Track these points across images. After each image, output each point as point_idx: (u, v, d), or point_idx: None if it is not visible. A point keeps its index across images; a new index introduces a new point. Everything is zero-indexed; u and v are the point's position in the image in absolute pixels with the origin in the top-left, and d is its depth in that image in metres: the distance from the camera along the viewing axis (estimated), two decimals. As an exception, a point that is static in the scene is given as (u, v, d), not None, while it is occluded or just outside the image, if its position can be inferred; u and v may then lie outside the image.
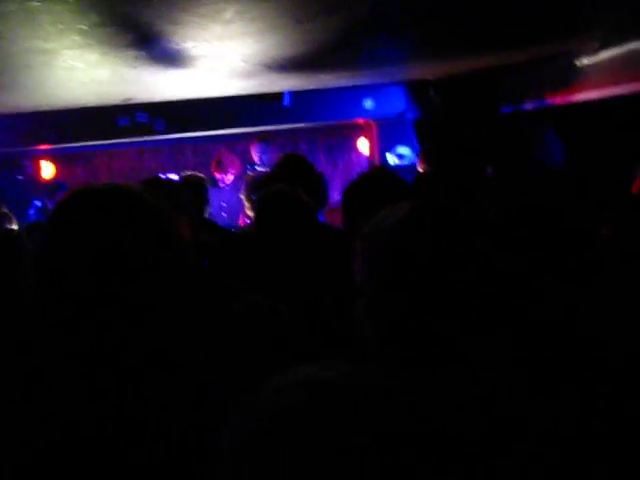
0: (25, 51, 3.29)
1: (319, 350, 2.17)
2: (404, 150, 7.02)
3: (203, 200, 4.68)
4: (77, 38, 3.12)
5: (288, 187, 3.14)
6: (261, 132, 7.61)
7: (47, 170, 8.64)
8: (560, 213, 1.59)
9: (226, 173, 7.42)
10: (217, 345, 1.44)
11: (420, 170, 5.13)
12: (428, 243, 1.19)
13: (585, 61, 4.69)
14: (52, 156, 8.62)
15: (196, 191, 4.44)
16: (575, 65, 4.78)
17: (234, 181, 7.39)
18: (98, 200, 1.22)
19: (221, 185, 7.41)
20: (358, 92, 6.91)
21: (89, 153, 8.81)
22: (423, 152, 5.41)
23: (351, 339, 1.39)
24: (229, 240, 3.74)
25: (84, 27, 2.94)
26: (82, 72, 4.10)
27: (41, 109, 6.01)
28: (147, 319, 1.19)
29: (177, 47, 3.60)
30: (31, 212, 7.21)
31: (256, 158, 7.48)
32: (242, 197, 5.02)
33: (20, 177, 8.64)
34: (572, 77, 4.86)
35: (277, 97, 6.56)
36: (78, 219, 1.20)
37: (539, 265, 1.41)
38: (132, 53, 3.66)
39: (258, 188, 4.21)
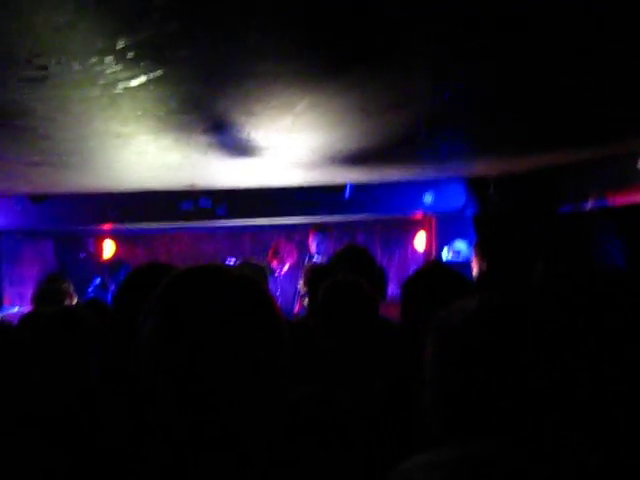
0: (101, 134, 3.42)
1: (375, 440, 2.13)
2: (461, 246, 7.00)
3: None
4: (153, 124, 3.24)
5: (354, 278, 3.14)
6: (319, 222, 7.69)
7: (108, 249, 8.84)
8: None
9: (283, 262, 7.48)
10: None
11: (474, 266, 5.10)
12: (499, 339, 1.20)
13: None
14: (114, 235, 8.83)
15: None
16: (637, 166, 4.78)
17: (289, 270, 7.45)
18: (210, 281, 1.22)
19: (277, 274, 7.46)
20: (418, 186, 6.96)
21: (149, 235, 9.00)
22: (478, 248, 5.40)
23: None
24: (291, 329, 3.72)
25: (161, 113, 3.05)
26: (152, 157, 4.24)
27: (107, 190, 6.20)
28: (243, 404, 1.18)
29: (247, 137, 3.70)
30: (90, 289, 7.33)
31: (313, 248, 7.54)
32: (300, 286, 5.04)
33: (82, 254, 8.85)
34: (633, 178, 4.84)
35: (339, 189, 6.66)
36: (190, 299, 1.20)
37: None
38: (204, 140, 3.77)
39: (319, 278, 4.22)
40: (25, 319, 3.32)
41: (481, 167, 5.83)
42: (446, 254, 7.06)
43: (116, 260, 7.81)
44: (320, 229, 7.50)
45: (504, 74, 2.87)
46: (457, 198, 7.01)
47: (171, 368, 1.15)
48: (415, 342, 1.80)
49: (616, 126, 4.03)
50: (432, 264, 5.10)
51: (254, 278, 1.29)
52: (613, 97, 3.30)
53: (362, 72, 2.59)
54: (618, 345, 1.40)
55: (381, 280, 3.95)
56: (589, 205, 5.41)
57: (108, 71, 2.33)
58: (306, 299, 4.88)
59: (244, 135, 3.65)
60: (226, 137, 3.70)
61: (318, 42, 2.20)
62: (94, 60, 2.21)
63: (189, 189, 6.41)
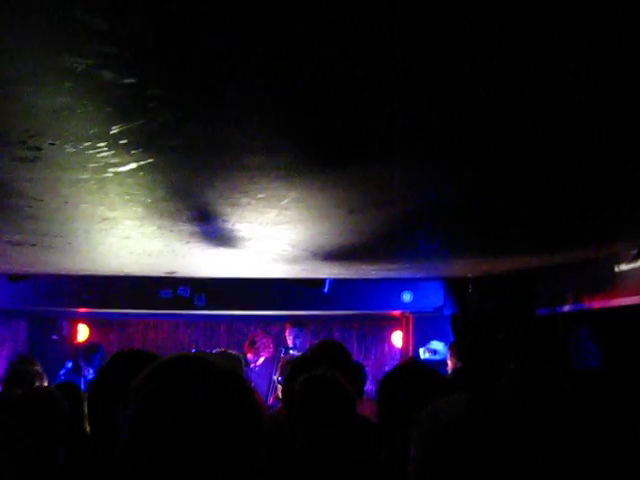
0: (88, 217, 3.44)
1: None
2: (438, 345, 7.02)
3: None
4: (140, 210, 3.27)
5: (332, 373, 3.12)
6: (295, 316, 7.69)
7: (82, 333, 8.74)
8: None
9: (259, 354, 7.43)
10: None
11: (450, 365, 5.12)
12: (488, 436, 1.21)
13: (623, 267, 4.76)
14: (88, 319, 8.75)
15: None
16: (613, 270, 4.86)
17: (264, 362, 7.38)
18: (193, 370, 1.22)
19: (252, 365, 7.39)
20: (397, 284, 7.02)
21: (124, 321, 8.92)
22: (454, 347, 5.43)
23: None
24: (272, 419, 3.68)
25: (148, 200, 3.09)
26: (135, 242, 4.26)
27: (86, 273, 6.19)
28: None
29: (231, 228, 3.75)
30: (61, 372, 7.22)
31: (290, 341, 7.51)
32: (275, 379, 5.00)
33: (55, 337, 8.74)
34: (610, 282, 4.92)
35: (318, 284, 6.69)
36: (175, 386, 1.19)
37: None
38: (188, 229, 3.81)
39: (295, 371, 4.19)
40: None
41: (460, 268, 5.91)
42: (422, 353, 7.06)
43: (91, 344, 7.71)
44: (296, 324, 7.49)
45: (483, 183, 2.97)
46: (435, 297, 7.07)
47: (150, 459, 1.14)
48: (391, 440, 1.81)
49: (593, 231, 4.13)
50: (409, 362, 5.09)
51: (235, 369, 1.29)
52: (589, 205, 3.41)
53: (347, 171, 2.67)
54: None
55: (358, 377, 3.93)
56: (565, 308, 5.48)
57: (100, 155, 2.38)
58: (280, 391, 4.83)
59: (228, 225, 3.69)
60: (210, 227, 3.74)
61: (307, 140, 2.27)
62: (87, 144, 2.25)
63: (168, 275, 6.41)
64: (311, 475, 2.50)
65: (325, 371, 3.08)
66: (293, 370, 4.55)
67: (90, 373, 7.21)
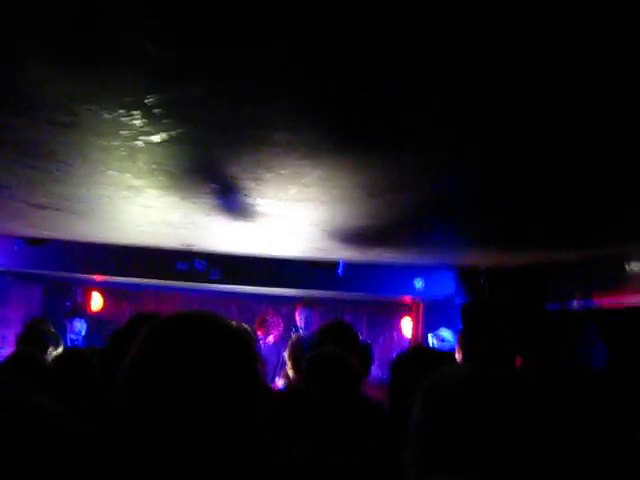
0: (113, 184, 3.54)
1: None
2: (446, 333, 7.07)
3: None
4: (164, 179, 3.37)
5: (338, 350, 3.22)
6: (306, 297, 7.78)
7: (96, 301, 8.87)
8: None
9: (268, 333, 7.53)
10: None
11: (458, 354, 5.19)
12: (486, 402, 1.30)
13: (634, 266, 4.82)
14: (102, 288, 8.88)
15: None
16: (624, 269, 4.92)
17: (273, 341, 7.48)
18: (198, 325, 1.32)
19: (262, 344, 7.49)
20: (410, 271, 7.09)
21: (138, 292, 9.04)
22: (462, 335, 5.49)
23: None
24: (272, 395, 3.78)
25: (174, 170, 3.18)
26: (157, 212, 4.35)
27: (106, 241, 6.29)
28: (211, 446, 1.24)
29: (252, 202, 3.83)
30: (70, 337, 7.38)
31: (300, 322, 7.60)
32: (285, 356, 5.08)
33: (69, 304, 8.87)
34: (620, 280, 4.98)
35: (332, 265, 6.77)
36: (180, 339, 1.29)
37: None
38: (209, 201, 3.90)
39: (304, 350, 4.29)
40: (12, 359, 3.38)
41: (473, 258, 5.97)
42: (431, 341, 7.12)
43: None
44: (307, 304, 7.57)
45: (503, 175, 3.05)
46: (447, 286, 7.13)
47: (145, 392, 1.22)
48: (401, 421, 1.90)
49: (606, 230, 4.19)
50: (421, 345, 5.18)
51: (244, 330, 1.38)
52: (605, 203, 3.47)
53: (370, 154, 2.74)
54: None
55: (365, 355, 4.02)
56: (575, 304, 5.54)
57: (133, 123, 2.47)
58: (289, 370, 4.93)
59: (249, 200, 3.77)
60: (231, 200, 3.83)
61: (335, 118, 2.34)
62: (122, 111, 2.35)
63: (186, 249, 6.51)
64: (320, 441, 2.58)
65: (331, 348, 3.18)
66: (301, 348, 4.66)
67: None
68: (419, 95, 2.08)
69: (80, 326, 8.04)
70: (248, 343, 1.34)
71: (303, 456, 2.00)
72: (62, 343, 4.92)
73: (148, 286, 8.38)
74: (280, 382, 6.24)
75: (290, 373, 4.90)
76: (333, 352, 3.14)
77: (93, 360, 2.84)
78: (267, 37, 1.71)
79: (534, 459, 1.30)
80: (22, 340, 4.88)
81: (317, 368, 3.06)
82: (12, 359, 3.58)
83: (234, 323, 5.34)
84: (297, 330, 7.50)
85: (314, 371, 3.07)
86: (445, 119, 2.30)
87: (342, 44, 1.73)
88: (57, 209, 4.47)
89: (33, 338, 4.72)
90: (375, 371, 6.16)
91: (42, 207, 4.44)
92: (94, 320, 8.49)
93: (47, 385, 2.78)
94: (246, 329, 5.14)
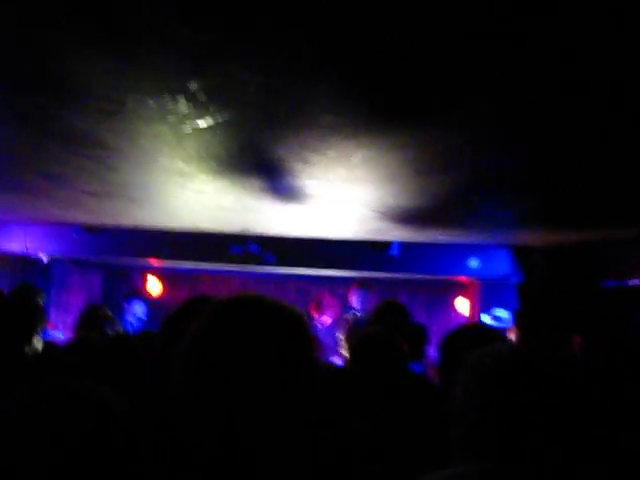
0: (165, 170, 3.59)
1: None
2: (502, 313, 7.02)
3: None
4: (214, 164, 3.40)
5: (384, 331, 3.23)
6: (362, 278, 7.79)
7: (153, 285, 9.05)
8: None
9: (324, 315, 7.57)
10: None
11: (513, 334, 5.15)
12: (527, 381, 1.30)
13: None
14: (159, 273, 9.05)
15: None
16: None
17: (330, 323, 7.53)
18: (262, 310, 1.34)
19: (318, 325, 7.54)
20: (465, 250, 7.04)
21: (195, 276, 9.19)
22: (518, 315, 5.45)
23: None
24: (326, 374, 3.81)
25: (223, 155, 3.21)
26: (209, 197, 4.40)
27: (161, 227, 6.40)
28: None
29: (301, 185, 3.85)
30: (129, 320, 7.54)
31: (355, 303, 7.61)
32: (339, 337, 5.12)
33: (127, 288, 9.06)
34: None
35: (386, 246, 6.76)
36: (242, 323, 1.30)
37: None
38: (259, 185, 3.93)
39: (356, 330, 4.31)
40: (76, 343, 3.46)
41: (528, 236, 5.89)
42: (487, 320, 7.08)
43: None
44: (362, 285, 7.57)
45: (553, 151, 2.99)
46: (503, 265, 7.07)
47: (200, 384, 1.23)
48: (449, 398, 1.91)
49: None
50: (471, 324, 5.15)
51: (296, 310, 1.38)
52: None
53: (416, 130, 2.72)
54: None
55: (418, 336, 4.03)
56: (633, 282, 5.43)
57: (179, 110, 2.50)
58: (344, 350, 4.96)
59: (299, 183, 3.79)
60: (280, 183, 3.85)
61: (377, 98, 2.33)
62: (167, 99, 2.38)
63: (240, 233, 6.58)
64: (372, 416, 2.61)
65: (375, 328, 3.21)
66: (353, 328, 4.69)
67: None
68: (463, 73, 2.06)
69: (140, 309, 8.19)
70: (303, 323, 1.35)
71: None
72: (120, 327, 5.03)
73: (204, 270, 8.51)
74: (337, 362, 6.29)
75: (345, 353, 4.94)
76: (377, 332, 3.17)
77: (141, 345, 2.90)
78: (303, 19, 1.71)
79: (574, 442, 1.30)
80: (81, 326, 4.99)
81: (362, 348, 3.09)
82: (73, 344, 3.66)
83: (290, 305, 5.41)
84: (353, 311, 7.53)
85: (359, 351, 3.10)
86: (492, 95, 2.27)
87: (383, 25, 1.72)
88: (110, 196, 4.56)
89: (91, 324, 4.83)
90: (433, 351, 6.16)
91: (96, 195, 4.53)
92: (155, 304, 8.65)
93: (103, 371, 2.85)
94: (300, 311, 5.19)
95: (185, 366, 1.27)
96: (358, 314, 6.94)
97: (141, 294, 8.92)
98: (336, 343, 6.56)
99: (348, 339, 4.85)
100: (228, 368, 1.23)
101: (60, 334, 7.08)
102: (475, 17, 1.66)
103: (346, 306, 7.78)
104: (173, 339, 2.10)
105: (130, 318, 8.03)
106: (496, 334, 2.86)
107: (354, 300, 7.61)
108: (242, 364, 1.23)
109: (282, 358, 1.26)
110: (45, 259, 7.59)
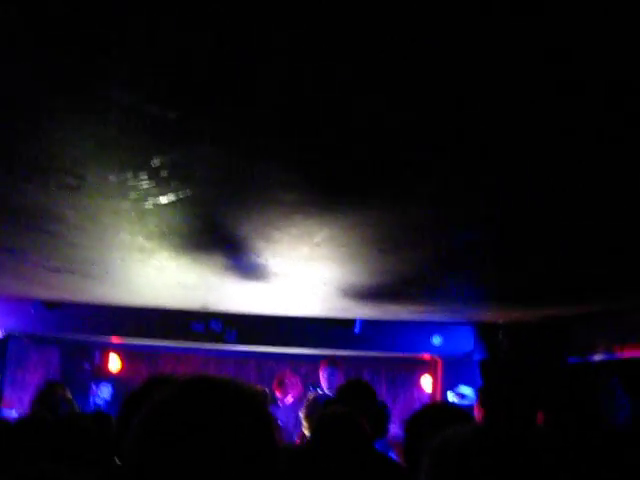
0: (126, 246, 3.54)
1: None
2: (466, 390, 6.99)
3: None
4: (176, 241, 3.37)
5: (345, 409, 3.19)
6: (327, 356, 7.71)
7: (114, 363, 8.87)
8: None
9: (287, 394, 7.46)
10: None
11: (477, 411, 5.12)
12: (493, 465, 1.25)
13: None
14: (120, 350, 8.88)
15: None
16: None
17: (292, 402, 7.42)
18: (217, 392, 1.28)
19: (280, 404, 7.42)
20: (428, 327, 7.04)
21: (155, 353, 9.02)
22: (482, 392, 5.42)
23: None
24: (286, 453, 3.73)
25: (185, 232, 3.18)
26: (171, 274, 4.36)
27: (121, 304, 6.30)
28: None
29: (264, 262, 3.82)
30: (91, 401, 7.33)
31: (324, 380, 7.46)
32: (301, 416, 5.04)
33: (87, 365, 8.86)
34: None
35: (349, 323, 6.73)
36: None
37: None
38: (222, 262, 3.90)
39: (317, 409, 4.25)
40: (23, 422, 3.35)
41: (491, 313, 5.91)
42: (451, 397, 7.04)
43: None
44: (331, 362, 7.41)
45: (520, 228, 3.01)
46: (465, 342, 7.07)
47: (151, 469, 1.17)
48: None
49: (628, 280, 4.13)
50: (434, 403, 5.11)
51: (253, 391, 1.33)
52: (627, 254, 3.42)
53: (380, 208, 2.73)
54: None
55: (381, 415, 3.98)
56: (597, 357, 5.45)
57: (141, 186, 2.48)
58: (305, 430, 4.87)
59: (262, 260, 3.77)
60: (244, 261, 3.82)
61: (342, 176, 2.34)
62: (129, 175, 2.36)
63: (201, 310, 6.50)
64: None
65: (338, 408, 3.16)
66: (314, 407, 4.63)
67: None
68: (421, 146, 2.07)
69: (106, 391, 8.02)
70: (261, 404, 1.30)
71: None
72: (77, 408, 4.89)
73: (165, 347, 8.37)
74: (298, 442, 6.16)
75: (306, 433, 4.84)
76: (340, 412, 3.12)
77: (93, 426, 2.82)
78: (258, 98, 1.71)
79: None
80: (36, 404, 4.86)
81: (324, 428, 3.04)
82: (23, 422, 3.55)
83: (248, 386, 5.34)
84: (316, 389, 7.42)
85: (321, 431, 3.04)
86: (455, 168, 2.28)
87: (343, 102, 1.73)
88: (72, 272, 4.48)
89: (46, 402, 4.70)
90: (396, 430, 6.07)
91: (57, 270, 4.45)
92: (121, 384, 8.46)
93: (54, 451, 2.75)
94: (260, 391, 5.11)
95: (135, 450, 1.21)
96: (323, 392, 6.84)
97: (101, 372, 8.73)
98: (298, 423, 6.45)
99: (309, 418, 4.78)
100: (181, 452, 1.17)
101: (14, 412, 6.86)
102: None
103: (309, 384, 7.68)
104: (129, 421, 2.03)
105: (97, 400, 7.84)
106: (461, 413, 2.83)
107: (322, 378, 7.48)
108: (196, 447, 1.17)
109: (239, 440, 1.20)
110: (0, 335, 7.41)
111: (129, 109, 1.80)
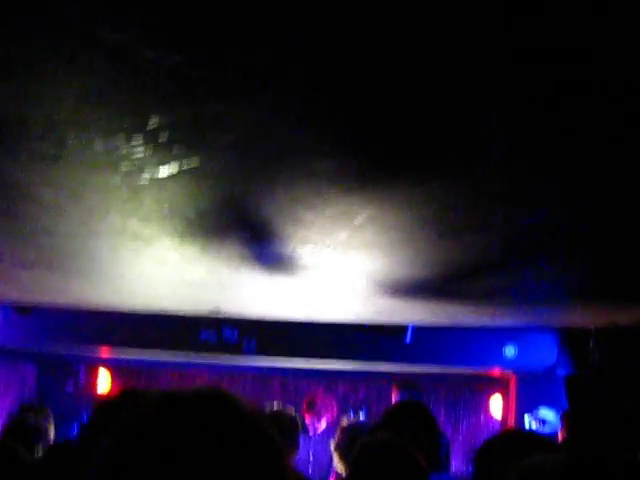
0: (116, 233, 3.54)
1: None
2: (547, 414, 6.95)
3: (293, 445, 4.70)
4: (179, 226, 3.35)
5: (398, 439, 3.14)
6: (400, 375, 7.67)
7: (103, 381, 8.90)
8: None
9: (319, 418, 7.45)
10: None
11: (561, 439, 5.09)
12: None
13: None
14: (110, 365, 8.91)
15: (285, 432, 4.47)
16: None
17: (326, 429, 7.40)
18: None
19: (310, 432, 7.41)
20: (497, 335, 6.97)
21: (154, 369, 9.05)
22: (568, 417, 5.38)
23: None
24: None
25: (191, 214, 3.16)
26: (173, 268, 4.34)
27: (111, 307, 6.32)
28: None
29: (292, 252, 3.79)
30: (76, 429, 7.40)
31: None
32: (332, 447, 5.00)
33: (69, 384, 8.92)
34: None
35: (397, 331, 6.68)
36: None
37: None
38: (237, 252, 3.87)
39: (356, 438, 4.21)
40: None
41: (579, 315, 5.83)
42: (528, 423, 6.99)
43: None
44: (404, 385, 7.15)
45: (610, 202, 2.93)
46: (546, 353, 7.00)
47: None
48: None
49: None
50: (511, 430, 5.07)
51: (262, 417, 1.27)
52: None
53: (441, 181, 2.67)
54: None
55: (438, 446, 3.94)
56: None
57: (134, 155, 2.44)
58: (337, 464, 4.83)
59: (288, 250, 3.74)
60: (265, 250, 3.80)
61: (387, 137, 2.28)
62: (120, 140, 2.32)
63: (211, 315, 6.50)
64: None
65: (386, 436, 3.10)
66: (351, 436, 4.58)
67: None
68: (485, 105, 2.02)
69: None
70: (266, 434, 1.24)
71: None
72: (51, 438, 4.93)
73: (166, 362, 8.39)
74: (332, 480, 6.14)
75: (338, 469, 4.81)
76: (388, 441, 3.07)
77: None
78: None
79: None
80: (5, 434, 4.90)
81: (367, 461, 2.99)
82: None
83: (273, 406, 5.29)
84: (356, 414, 7.41)
85: (362, 465, 3.00)
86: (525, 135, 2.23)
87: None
88: (49, 267, 4.50)
89: (17, 431, 4.74)
90: (460, 465, 6.04)
91: (30, 266, 4.47)
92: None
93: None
94: (287, 414, 5.08)
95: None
96: (364, 419, 6.82)
97: (88, 393, 8.78)
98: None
99: (341, 451, 4.73)
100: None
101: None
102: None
103: (347, 407, 7.66)
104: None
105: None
106: (542, 442, 2.78)
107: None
108: None
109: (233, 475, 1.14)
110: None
111: (119, 52, 1.76)
